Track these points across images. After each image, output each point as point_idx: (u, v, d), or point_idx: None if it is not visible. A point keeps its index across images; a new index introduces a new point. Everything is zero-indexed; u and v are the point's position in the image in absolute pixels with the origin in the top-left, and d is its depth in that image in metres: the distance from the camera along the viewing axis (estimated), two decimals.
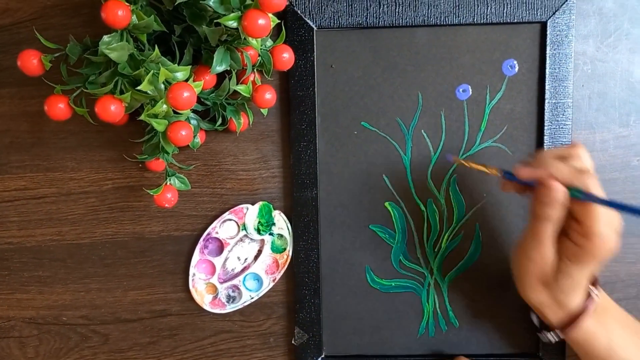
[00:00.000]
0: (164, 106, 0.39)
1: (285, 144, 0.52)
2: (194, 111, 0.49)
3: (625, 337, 0.44)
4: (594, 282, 0.44)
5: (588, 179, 0.38)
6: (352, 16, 0.49)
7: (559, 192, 0.39)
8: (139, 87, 0.37)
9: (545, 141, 0.49)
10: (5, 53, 0.52)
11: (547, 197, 0.39)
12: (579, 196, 0.38)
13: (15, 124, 0.53)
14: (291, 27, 0.49)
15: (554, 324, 0.45)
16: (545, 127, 0.49)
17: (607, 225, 0.39)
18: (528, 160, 0.42)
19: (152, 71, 0.38)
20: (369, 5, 0.49)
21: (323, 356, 0.53)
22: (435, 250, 0.52)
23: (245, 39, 0.40)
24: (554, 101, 0.49)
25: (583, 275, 0.41)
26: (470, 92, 0.50)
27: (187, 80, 0.40)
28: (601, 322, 0.43)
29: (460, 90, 0.50)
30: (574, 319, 0.43)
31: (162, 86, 0.40)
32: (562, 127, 0.49)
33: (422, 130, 0.51)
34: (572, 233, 0.40)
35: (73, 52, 0.42)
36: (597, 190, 0.38)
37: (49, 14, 0.51)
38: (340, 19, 0.49)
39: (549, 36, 0.48)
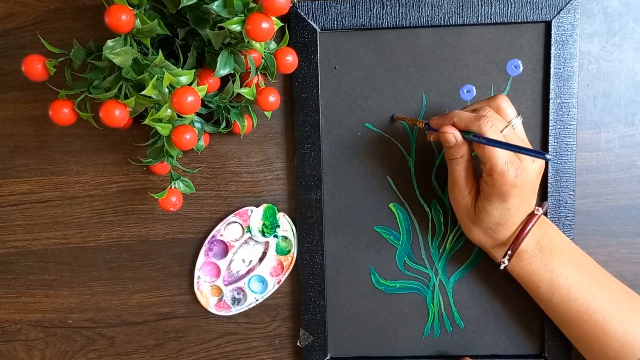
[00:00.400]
0: (168, 111, 0.39)
1: (289, 146, 0.52)
2: (198, 114, 0.49)
3: (571, 278, 0.45)
4: (532, 221, 0.44)
5: (482, 122, 0.42)
6: (355, 17, 0.49)
7: (450, 134, 0.43)
8: (143, 92, 0.37)
9: (550, 141, 0.49)
10: (10, 57, 0.52)
11: (443, 140, 0.44)
12: (471, 138, 0.42)
13: (19, 128, 0.53)
14: (294, 29, 0.49)
15: (495, 259, 0.48)
16: (550, 127, 0.49)
17: (505, 162, 0.42)
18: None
19: (156, 75, 0.38)
20: (372, 6, 0.48)
21: (328, 358, 0.53)
22: (440, 251, 0.52)
23: (248, 42, 0.40)
24: (558, 101, 0.49)
25: (500, 212, 0.44)
26: (475, 93, 0.50)
27: (191, 84, 0.40)
28: (544, 262, 0.45)
29: (465, 90, 0.50)
30: (507, 250, 0.45)
31: (166, 90, 0.40)
32: (567, 127, 0.49)
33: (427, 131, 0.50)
34: (483, 174, 0.44)
35: (77, 57, 0.42)
36: (492, 132, 0.41)
37: (52, 18, 0.51)
38: (343, 20, 0.49)
39: (553, 36, 0.48)
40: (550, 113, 0.49)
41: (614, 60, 0.50)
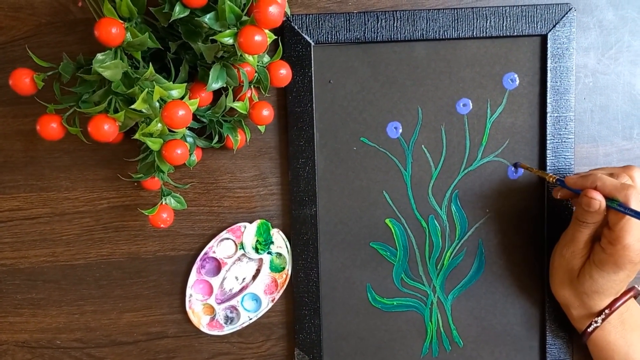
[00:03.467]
0: (159, 125, 0.38)
1: (283, 161, 0.51)
2: (190, 129, 0.48)
3: None
4: (629, 294, 0.46)
5: (629, 192, 0.41)
6: (349, 31, 0.48)
7: (596, 201, 0.42)
8: (133, 106, 0.36)
9: (547, 155, 0.49)
10: None
11: (586, 204, 0.42)
12: (616, 207, 0.41)
13: (8, 142, 0.52)
14: (288, 42, 0.48)
15: (576, 324, 0.48)
16: (548, 141, 0.49)
17: (635, 237, 0.41)
18: (581, 173, 0.46)
19: (146, 89, 0.37)
20: (366, 20, 0.48)
21: None
22: (438, 267, 0.51)
23: (241, 55, 0.40)
24: (556, 115, 0.48)
25: (606, 281, 0.44)
26: (471, 106, 0.49)
27: (182, 98, 0.40)
28: (623, 335, 0.45)
29: (461, 104, 0.49)
30: (591, 321, 0.46)
31: (157, 104, 0.39)
32: (564, 141, 0.49)
33: (423, 146, 0.50)
34: (603, 239, 0.43)
35: (66, 71, 0.41)
36: (637, 204, 0.41)
37: (43, 32, 0.51)
38: (337, 34, 0.48)
39: (549, 49, 0.48)
40: (547, 127, 0.48)
41: (611, 74, 0.50)
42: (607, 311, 0.45)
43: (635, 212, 0.40)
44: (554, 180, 0.46)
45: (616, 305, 0.45)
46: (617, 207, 0.41)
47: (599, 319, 0.45)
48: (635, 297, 0.46)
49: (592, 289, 0.45)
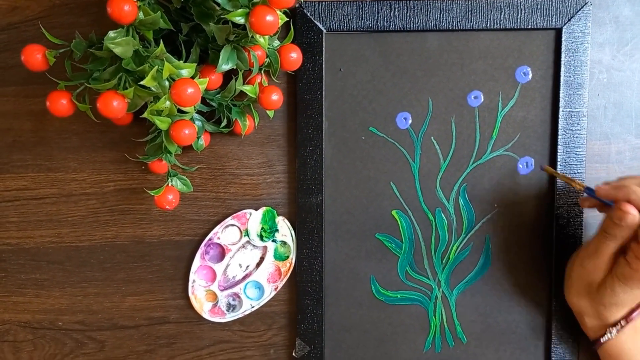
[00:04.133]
0: (167, 102, 0.38)
1: (291, 149, 0.51)
2: (198, 112, 0.48)
3: None
4: None
5: None
6: (362, 19, 0.48)
7: (631, 216, 0.40)
8: (142, 82, 0.36)
9: (559, 150, 0.48)
10: (12, 51, 0.52)
11: (618, 218, 0.40)
12: None
13: (18, 122, 0.52)
14: (300, 29, 0.48)
15: (588, 332, 0.46)
16: (559, 137, 0.48)
17: None
18: (611, 182, 0.44)
19: (156, 66, 0.37)
20: (379, 8, 0.48)
21: None
22: (444, 261, 0.50)
23: (252, 37, 0.39)
24: (568, 110, 0.48)
25: (627, 296, 0.43)
26: (482, 99, 0.49)
27: (192, 78, 0.39)
28: (636, 343, 0.44)
29: (472, 96, 0.49)
30: (605, 331, 0.45)
31: (167, 83, 0.39)
32: (576, 137, 0.48)
33: (432, 137, 0.49)
34: (629, 253, 0.41)
35: (78, 48, 0.41)
36: None
37: (57, 13, 0.51)
38: (350, 22, 0.48)
39: (564, 43, 0.47)
40: (559, 122, 0.48)
41: (625, 70, 0.49)
42: (622, 322, 0.44)
43: None
44: (583, 189, 0.44)
45: (632, 316, 0.44)
46: None
47: (614, 330, 0.44)
48: None
49: (612, 301, 0.43)
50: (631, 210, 0.40)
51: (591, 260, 0.43)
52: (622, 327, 0.44)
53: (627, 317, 0.44)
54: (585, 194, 0.44)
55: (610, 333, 0.44)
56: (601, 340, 0.45)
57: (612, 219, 0.41)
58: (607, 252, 0.42)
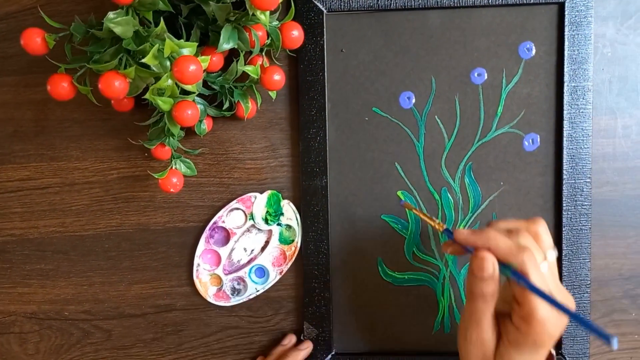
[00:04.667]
0: (169, 81, 0.37)
1: (294, 132, 0.51)
2: (200, 96, 0.47)
3: None
4: None
5: (525, 257, 0.34)
6: None
7: (488, 263, 0.35)
8: (143, 60, 0.36)
9: (564, 126, 0.47)
10: (11, 40, 0.51)
11: (477, 269, 0.35)
12: (509, 275, 0.35)
13: (19, 112, 0.52)
14: (300, 10, 0.48)
15: None
16: (565, 112, 0.47)
17: (548, 310, 0.34)
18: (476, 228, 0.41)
19: (157, 44, 0.37)
20: None
21: (333, 353, 0.51)
22: None
23: (253, 15, 0.39)
24: (573, 84, 0.47)
25: (527, 359, 0.36)
26: (486, 76, 0.48)
27: None
28: None
29: (475, 74, 0.48)
30: None
31: (168, 63, 0.38)
32: (582, 112, 0.47)
33: (436, 116, 0.49)
34: (514, 316, 0.36)
35: (78, 31, 0.41)
36: (535, 272, 0.34)
37: (55, 1, 0.51)
38: (350, 1, 0.48)
39: (567, 17, 0.47)
40: (564, 97, 0.47)
41: (630, 44, 0.49)
42: None
43: (528, 283, 0.33)
44: (442, 230, 0.40)
45: None
46: (511, 275, 0.34)
47: None
48: None
49: None
50: (489, 256, 0.35)
51: (473, 331, 0.37)
52: None
53: None
54: (445, 236, 0.39)
55: None
56: None
57: (471, 272, 0.36)
58: (484, 317, 0.36)
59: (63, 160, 0.52)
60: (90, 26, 0.42)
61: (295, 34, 0.43)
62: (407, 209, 0.46)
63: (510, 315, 0.36)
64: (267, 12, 0.39)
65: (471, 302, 0.37)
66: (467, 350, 0.38)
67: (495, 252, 0.35)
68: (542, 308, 0.34)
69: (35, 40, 0.40)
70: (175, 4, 0.44)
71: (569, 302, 0.37)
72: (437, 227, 0.40)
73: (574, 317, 0.32)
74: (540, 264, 0.35)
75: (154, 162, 0.52)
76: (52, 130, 0.52)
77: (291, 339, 0.51)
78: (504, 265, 0.35)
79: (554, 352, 0.41)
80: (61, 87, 0.40)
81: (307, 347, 0.50)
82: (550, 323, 0.34)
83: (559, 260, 0.49)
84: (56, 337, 0.54)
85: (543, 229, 0.38)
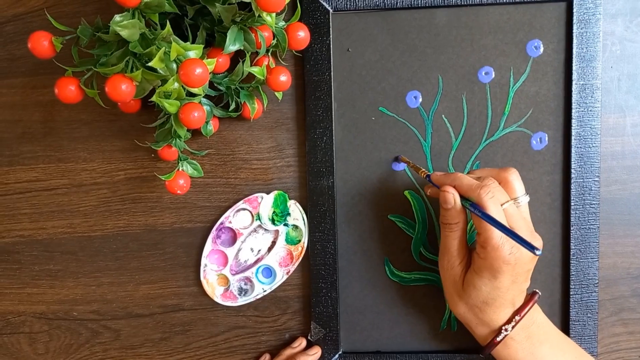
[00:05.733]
0: (175, 84, 0.37)
1: (300, 132, 0.50)
2: (207, 96, 0.47)
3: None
4: (531, 302, 0.43)
5: (482, 192, 0.40)
6: None
7: (449, 195, 0.41)
8: (149, 64, 0.36)
9: (573, 125, 0.47)
10: (19, 42, 0.52)
11: (442, 201, 0.42)
12: (467, 206, 0.40)
13: (27, 114, 0.52)
14: (306, 9, 0.48)
15: (478, 340, 0.45)
16: (573, 110, 0.47)
17: (501, 237, 0.39)
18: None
19: (163, 47, 0.37)
20: None
21: (340, 352, 0.51)
22: None
23: (259, 16, 0.39)
24: (581, 82, 0.47)
25: (490, 289, 0.41)
26: (493, 75, 0.48)
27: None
28: (532, 351, 0.42)
29: (483, 72, 0.48)
30: (493, 338, 0.42)
31: (174, 65, 0.38)
32: (590, 110, 0.47)
33: (443, 115, 0.49)
34: (477, 245, 0.41)
35: (84, 34, 0.41)
36: (493, 206, 0.39)
37: (62, 3, 0.51)
38: (356, 0, 0.47)
39: (575, 14, 0.46)
40: (572, 95, 0.47)
41: (639, 41, 0.48)
42: (507, 327, 0.42)
43: (483, 214, 0.38)
44: (425, 176, 0.45)
45: (516, 319, 0.42)
46: (468, 206, 0.40)
47: (501, 335, 0.42)
48: (536, 302, 0.43)
49: (480, 299, 0.42)
50: (450, 189, 0.41)
51: (444, 257, 0.44)
52: (507, 332, 0.42)
53: (510, 321, 0.42)
54: (427, 181, 0.45)
55: (499, 336, 0.42)
56: (493, 342, 0.42)
57: (440, 206, 0.42)
58: (452, 243, 0.43)
59: (71, 161, 0.53)
60: (96, 29, 0.42)
61: (302, 35, 0.42)
62: (403, 161, 0.48)
63: (475, 247, 0.42)
64: (273, 14, 0.39)
65: (442, 232, 0.44)
66: (442, 276, 0.45)
67: (459, 189, 0.41)
68: (495, 236, 0.39)
69: (42, 44, 0.40)
70: (181, 5, 0.43)
71: (536, 241, 0.41)
72: (421, 174, 0.46)
73: (507, 231, 0.37)
74: (505, 203, 0.40)
75: (161, 163, 0.52)
76: (60, 131, 0.52)
77: (301, 343, 0.51)
78: (464, 199, 0.41)
79: (539, 292, 0.44)
80: (69, 90, 0.40)
81: (316, 353, 0.50)
82: (503, 249, 0.39)
83: (567, 258, 0.49)
84: (65, 336, 0.54)
85: (514, 177, 0.42)
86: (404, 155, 0.49)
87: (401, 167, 0.49)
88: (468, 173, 0.44)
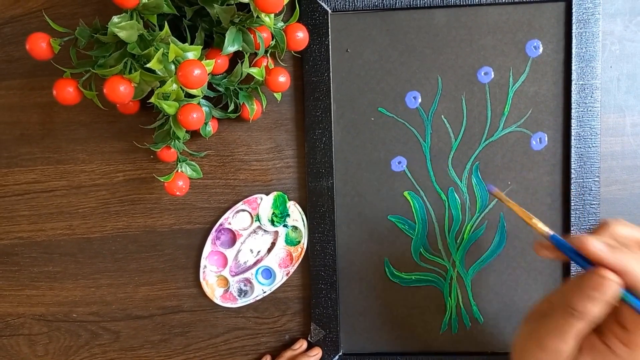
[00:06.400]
0: (174, 85, 0.37)
1: (299, 133, 0.50)
2: (205, 97, 0.47)
3: None
4: None
5: None
6: None
7: (611, 287, 0.30)
8: (148, 65, 0.36)
9: (572, 125, 0.47)
10: (17, 44, 0.51)
11: (593, 287, 0.31)
12: (632, 303, 0.31)
13: (25, 115, 0.52)
14: (305, 10, 0.47)
15: None
16: (573, 110, 0.47)
17: None
18: (596, 233, 0.33)
19: (162, 49, 0.37)
20: None
21: (340, 354, 0.51)
22: (458, 241, 0.50)
23: (257, 16, 0.39)
24: (581, 82, 0.47)
25: None
26: (493, 75, 0.48)
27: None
28: None
29: (482, 72, 0.48)
30: None
31: (172, 67, 0.38)
32: (590, 110, 0.47)
33: (442, 116, 0.49)
34: (610, 336, 0.32)
35: (82, 35, 0.41)
36: None
37: (59, 4, 0.51)
38: (355, 1, 0.47)
39: (574, 14, 0.46)
40: (572, 95, 0.47)
41: (638, 41, 0.48)
42: None
43: None
44: (548, 237, 0.35)
45: None
46: (635, 304, 0.30)
47: None
48: None
49: None
50: (614, 279, 0.30)
51: (552, 342, 0.33)
52: None
53: None
54: (550, 243, 0.34)
55: None
56: None
57: (583, 289, 0.31)
58: (573, 334, 0.32)
59: (69, 163, 0.53)
60: (94, 30, 0.42)
61: (300, 36, 0.42)
62: (496, 197, 0.40)
63: (600, 333, 0.33)
64: (272, 15, 0.39)
65: (564, 315, 0.32)
66: (533, 356, 0.34)
67: (625, 277, 0.30)
68: None
69: (40, 45, 0.40)
70: (179, 7, 0.43)
71: None
72: (539, 230, 0.35)
73: None
74: None
75: (160, 164, 0.52)
76: (58, 133, 0.52)
77: (302, 345, 0.51)
78: (629, 292, 0.30)
79: None
80: (67, 91, 0.40)
81: (317, 354, 0.50)
82: None
83: (567, 259, 0.48)
84: (65, 338, 0.54)
85: None
86: (405, 157, 0.49)
87: (401, 167, 0.49)
88: (607, 226, 0.33)
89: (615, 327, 0.32)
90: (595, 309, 0.31)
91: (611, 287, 0.30)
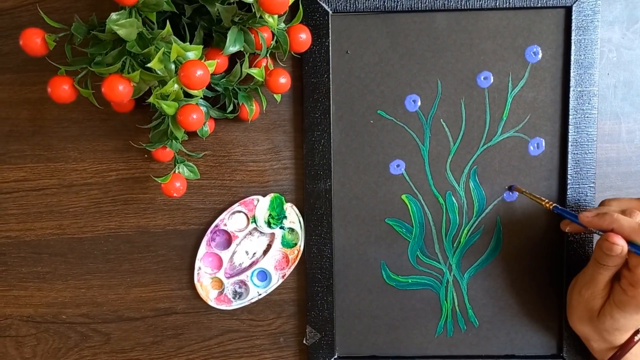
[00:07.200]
0: (175, 86, 0.36)
1: (297, 134, 0.50)
2: (203, 97, 0.46)
3: None
4: None
5: None
6: (369, 0, 0.47)
7: (619, 246, 0.40)
8: (149, 65, 0.35)
9: (569, 131, 0.47)
10: (6, 37, 0.50)
11: (607, 249, 0.41)
12: (636, 252, 0.40)
13: (15, 111, 0.51)
14: (305, 10, 0.47)
15: (596, 355, 0.47)
16: (570, 116, 0.47)
17: None
18: (592, 208, 0.45)
19: (162, 48, 0.36)
20: None
21: (336, 357, 0.50)
22: (454, 245, 0.50)
23: (260, 17, 0.38)
24: (579, 89, 0.47)
25: (627, 321, 0.43)
26: (492, 80, 0.48)
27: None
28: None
29: (482, 77, 0.48)
30: (615, 354, 0.45)
31: (173, 66, 0.37)
32: (587, 117, 0.47)
33: (441, 120, 0.49)
34: (623, 280, 0.42)
35: (78, 32, 0.40)
36: None
37: None
38: (356, 2, 0.47)
39: (574, 21, 0.46)
40: (570, 101, 0.47)
41: (635, 49, 0.49)
42: (624, 349, 0.45)
43: None
44: (551, 207, 0.45)
45: (636, 339, 0.44)
46: (634, 250, 0.40)
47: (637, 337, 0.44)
48: None
49: (614, 327, 0.44)
50: (618, 240, 0.40)
51: (588, 289, 0.44)
52: (630, 348, 0.44)
53: (630, 341, 0.44)
54: (559, 215, 0.45)
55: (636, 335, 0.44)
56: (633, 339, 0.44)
57: (601, 249, 0.41)
58: (602, 280, 0.43)
59: (60, 161, 0.51)
60: (91, 27, 0.41)
61: (303, 37, 0.42)
62: (517, 192, 0.48)
63: (619, 279, 0.42)
64: (276, 15, 0.39)
65: (595, 269, 0.43)
66: (577, 302, 0.46)
67: (619, 231, 0.40)
68: None
69: (34, 41, 0.39)
70: (178, 4, 0.42)
71: None
72: (546, 205, 0.46)
73: None
74: None
75: (154, 164, 0.51)
76: (49, 130, 0.51)
77: None
78: (630, 243, 0.40)
79: None
80: (62, 89, 0.39)
81: None
82: None
83: (564, 264, 0.49)
84: (54, 340, 0.53)
85: None
86: (403, 160, 0.49)
87: (399, 170, 0.49)
88: (604, 203, 0.45)
89: (625, 271, 0.42)
90: (612, 261, 0.41)
91: (618, 248, 0.40)
